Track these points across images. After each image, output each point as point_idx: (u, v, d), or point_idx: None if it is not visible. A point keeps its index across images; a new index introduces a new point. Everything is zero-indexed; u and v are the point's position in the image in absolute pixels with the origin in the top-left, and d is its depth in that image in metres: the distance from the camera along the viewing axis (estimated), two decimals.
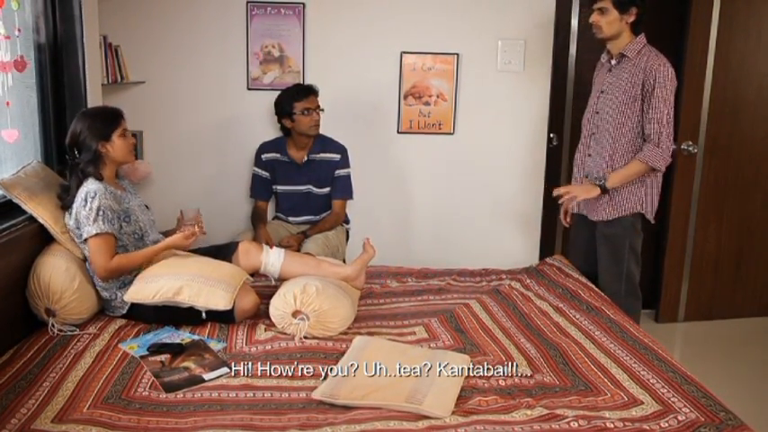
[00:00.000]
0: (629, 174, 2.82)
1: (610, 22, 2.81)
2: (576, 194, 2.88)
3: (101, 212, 2.45)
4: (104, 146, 2.54)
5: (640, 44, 2.82)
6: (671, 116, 2.77)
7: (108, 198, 2.49)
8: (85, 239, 2.47)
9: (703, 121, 3.75)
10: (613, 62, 2.90)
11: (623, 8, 2.78)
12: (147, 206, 2.75)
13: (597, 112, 2.95)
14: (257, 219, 3.36)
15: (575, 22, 3.79)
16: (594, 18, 2.84)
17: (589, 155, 2.98)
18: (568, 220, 3.18)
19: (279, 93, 3.32)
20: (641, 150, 2.80)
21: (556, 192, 2.94)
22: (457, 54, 3.58)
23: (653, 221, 2.95)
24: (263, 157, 3.42)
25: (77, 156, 2.54)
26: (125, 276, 2.53)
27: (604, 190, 2.84)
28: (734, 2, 3.64)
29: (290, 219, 3.45)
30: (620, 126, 2.84)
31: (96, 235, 2.44)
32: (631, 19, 2.80)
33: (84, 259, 2.55)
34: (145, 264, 2.55)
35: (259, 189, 3.45)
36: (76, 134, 2.53)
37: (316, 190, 3.40)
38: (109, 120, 2.57)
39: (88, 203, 2.45)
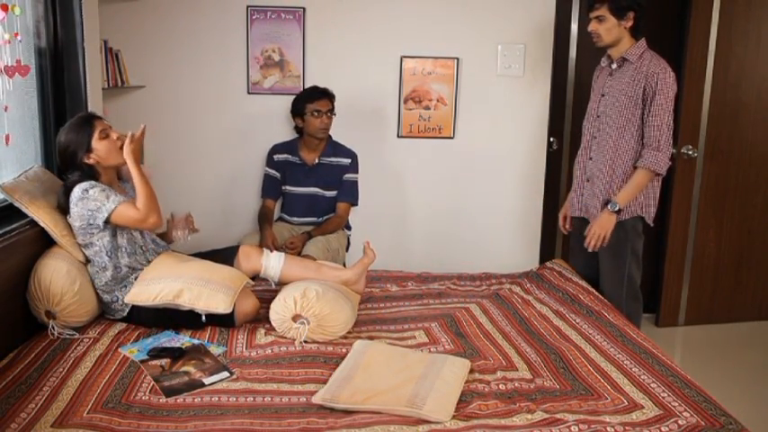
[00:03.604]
0: (637, 185, 2.80)
1: (608, 29, 2.82)
2: (605, 234, 2.83)
3: (105, 191, 2.44)
4: (89, 157, 2.50)
5: (641, 48, 2.83)
6: (671, 121, 2.78)
7: (103, 187, 2.47)
8: (107, 220, 2.43)
9: (703, 125, 3.76)
10: (614, 66, 2.90)
11: (620, 14, 2.79)
12: None
13: (598, 116, 2.95)
14: (263, 219, 3.37)
15: (575, 27, 3.80)
16: (593, 27, 2.85)
17: (591, 158, 2.99)
18: (567, 226, 3.18)
19: (295, 95, 3.36)
20: (641, 157, 2.80)
21: (591, 247, 2.85)
22: (457, 58, 3.59)
23: (651, 225, 2.95)
24: (275, 157, 3.45)
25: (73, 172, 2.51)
26: (125, 280, 2.53)
27: (619, 212, 2.83)
28: (733, 6, 3.65)
29: (294, 219, 3.46)
30: (622, 129, 2.84)
31: (115, 208, 2.41)
32: (629, 24, 2.81)
33: (86, 262, 2.55)
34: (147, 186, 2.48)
35: (269, 188, 3.47)
36: (62, 151, 2.49)
37: (322, 192, 3.41)
38: (81, 127, 2.50)
39: (89, 192, 2.43)
